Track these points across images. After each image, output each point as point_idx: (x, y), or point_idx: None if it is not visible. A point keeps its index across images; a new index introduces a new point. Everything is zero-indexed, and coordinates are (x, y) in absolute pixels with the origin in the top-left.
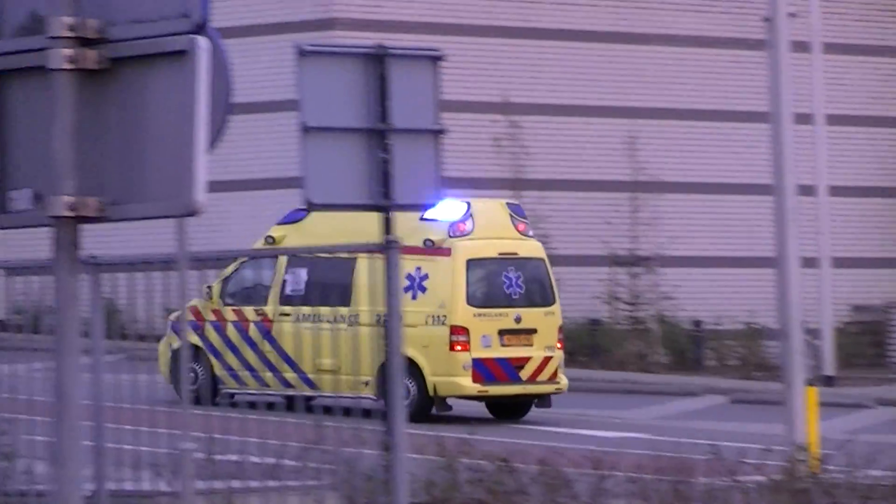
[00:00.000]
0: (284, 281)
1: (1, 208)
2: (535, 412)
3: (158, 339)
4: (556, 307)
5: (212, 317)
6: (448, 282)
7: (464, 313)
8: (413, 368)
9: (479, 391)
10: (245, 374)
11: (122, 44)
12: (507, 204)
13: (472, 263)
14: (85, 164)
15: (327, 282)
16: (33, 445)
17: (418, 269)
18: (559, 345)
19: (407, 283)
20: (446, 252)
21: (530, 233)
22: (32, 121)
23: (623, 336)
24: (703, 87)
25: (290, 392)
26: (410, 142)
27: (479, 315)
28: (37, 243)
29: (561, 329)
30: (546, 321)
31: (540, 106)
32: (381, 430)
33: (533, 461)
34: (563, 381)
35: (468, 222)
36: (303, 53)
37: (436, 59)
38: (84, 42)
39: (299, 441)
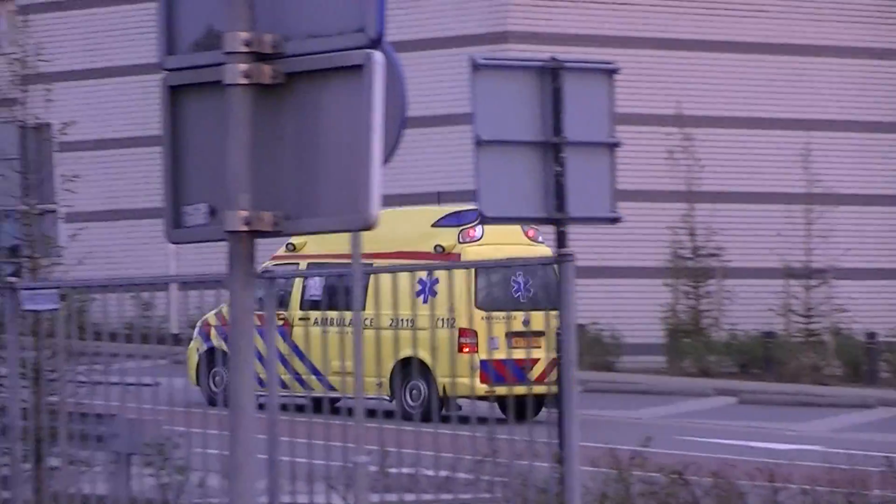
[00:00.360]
0: (304, 287)
1: (176, 223)
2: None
3: None
4: None
5: None
6: (457, 286)
7: (471, 316)
8: (423, 370)
9: (486, 391)
10: (263, 376)
11: (297, 58)
12: None
13: (481, 269)
14: (260, 179)
15: (344, 288)
16: (207, 459)
17: (429, 273)
18: None
19: (419, 287)
20: (455, 258)
21: (540, 238)
22: (207, 136)
23: (797, 348)
24: (878, 98)
25: (306, 394)
26: (584, 155)
27: (487, 318)
28: (211, 257)
29: None
30: (554, 324)
31: (713, 118)
32: (555, 443)
33: (706, 474)
34: None
35: (478, 229)
36: (477, 67)
37: (610, 72)
38: (259, 57)
39: (472, 453)
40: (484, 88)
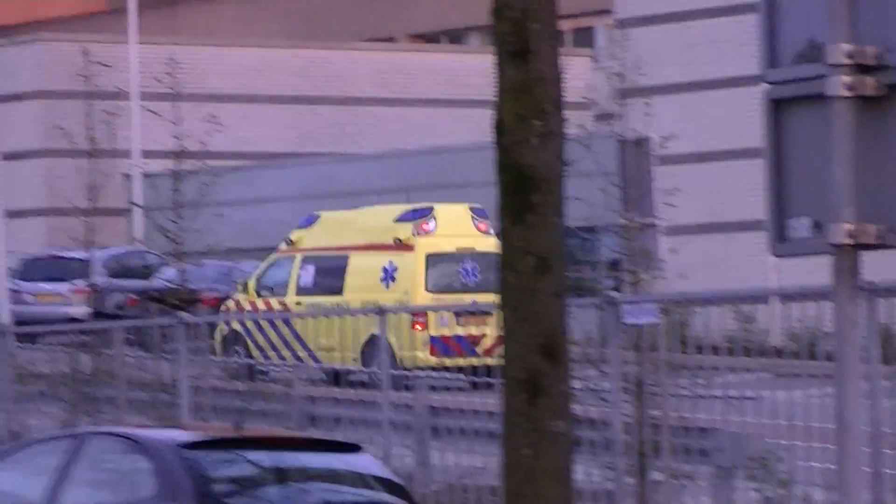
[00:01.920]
0: (299, 276)
1: (780, 237)
2: None
3: None
4: None
5: (248, 307)
6: (411, 272)
7: (422, 298)
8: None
9: (436, 363)
10: (271, 353)
11: None
12: (470, 208)
13: (431, 257)
14: (863, 191)
15: (328, 276)
16: (811, 472)
17: (391, 262)
18: None
19: (382, 274)
20: (410, 248)
21: (491, 231)
22: (810, 148)
23: None
24: None
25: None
26: None
27: (437, 300)
28: (810, 269)
29: None
30: None
31: None
32: None
33: None
34: None
35: (431, 223)
36: None
37: None
38: (862, 69)
39: None
40: None
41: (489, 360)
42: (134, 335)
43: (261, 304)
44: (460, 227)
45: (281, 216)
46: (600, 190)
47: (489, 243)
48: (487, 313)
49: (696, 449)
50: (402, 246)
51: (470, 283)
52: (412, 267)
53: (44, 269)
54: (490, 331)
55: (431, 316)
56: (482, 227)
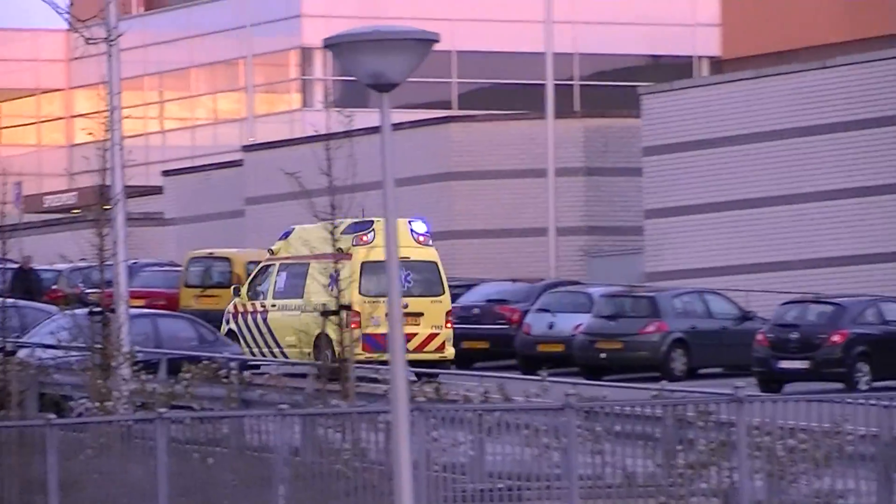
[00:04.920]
0: (275, 282)
1: None
2: None
3: None
4: (444, 297)
5: (242, 309)
6: (348, 278)
7: (356, 301)
8: (329, 341)
9: (367, 357)
10: (255, 350)
11: None
12: (409, 221)
13: (365, 265)
14: None
15: (294, 282)
16: None
17: (336, 270)
18: (448, 325)
19: (329, 280)
20: (349, 257)
21: (430, 243)
22: None
23: None
24: None
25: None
26: None
27: (368, 302)
28: None
29: (450, 313)
30: (433, 307)
31: None
32: None
33: None
34: (450, 351)
35: (370, 235)
36: None
37: None
38: None
39: None
40: None
41: (422, 356)
42: None
43: (250, 307)
44: (398, 239)
45: None
46: None
47: (425, 253)
48: (419, 315)
49: None
50: (343, 255)
51: (402, 288)
52: (349, 273)
53: None
54: (421, 330)
55: (365, 316)
56: (421, 239)
